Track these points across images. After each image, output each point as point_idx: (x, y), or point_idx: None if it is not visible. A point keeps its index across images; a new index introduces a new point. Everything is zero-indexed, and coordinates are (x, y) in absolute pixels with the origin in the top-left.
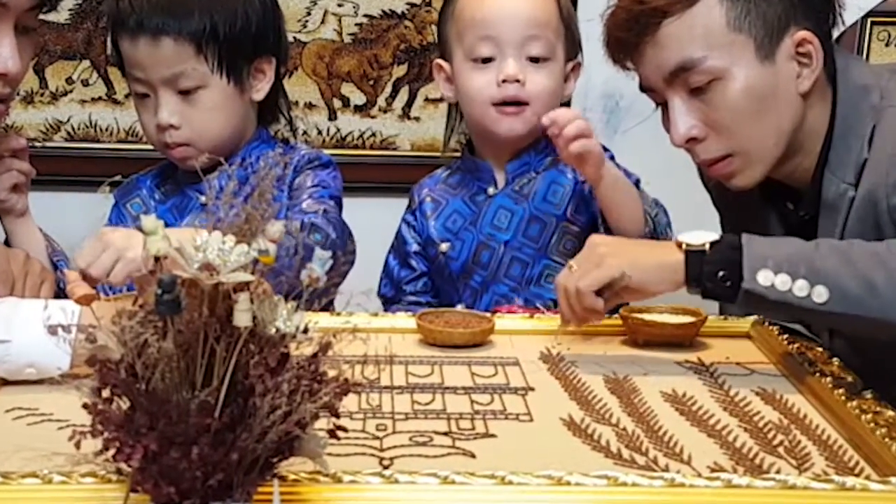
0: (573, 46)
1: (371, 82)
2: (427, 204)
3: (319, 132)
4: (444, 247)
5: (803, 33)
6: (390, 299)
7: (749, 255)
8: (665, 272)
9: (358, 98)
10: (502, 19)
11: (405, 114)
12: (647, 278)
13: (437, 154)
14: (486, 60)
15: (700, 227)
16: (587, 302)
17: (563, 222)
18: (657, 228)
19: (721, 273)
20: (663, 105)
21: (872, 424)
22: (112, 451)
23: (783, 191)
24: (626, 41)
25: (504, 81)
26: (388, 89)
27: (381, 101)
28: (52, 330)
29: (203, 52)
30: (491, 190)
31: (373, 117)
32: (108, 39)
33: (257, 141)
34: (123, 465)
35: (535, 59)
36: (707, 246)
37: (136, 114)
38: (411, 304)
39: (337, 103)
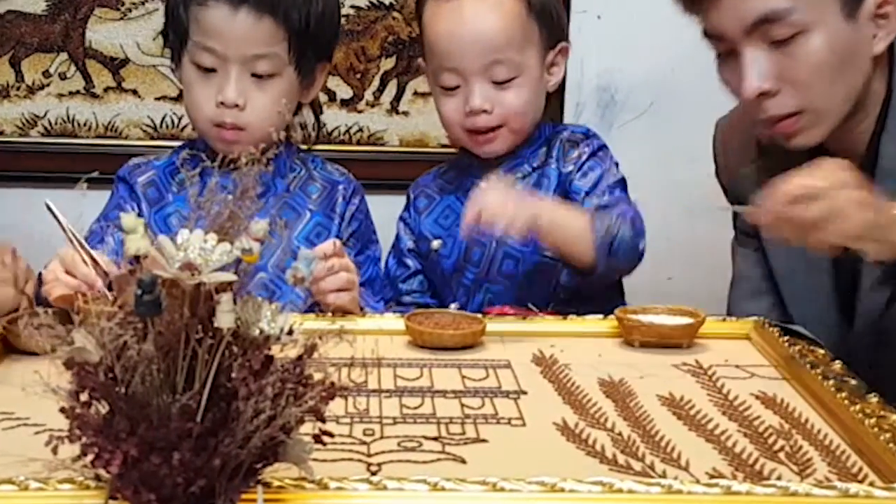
0: (554, 32)
1: (358, 76)
2: (420, 200)
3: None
4: (435, 244)
5: None
6: (389, 300)
7: None
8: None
9: (344, 92)
10: (462, 51)
11: (393, 108)
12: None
13: (427, 150)
14: (454, 85)
15: (695, 216)
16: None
17: None
18: (618, 246)
19: None
20: (727, 54)
21: (876, 429)
22: (90, 457)
23: None
24: None
25: (471, 112)
26: (376, 83)
27: (368, 95)
28: None
29: (290, 40)
30: (484, 184)
31: (360, 112)
32: (170, 7)
33: (282, 145)
34: (102, 472)
35: (501, 78)
36: None
37: (187, 89)
38: (410, 305)
39: (323, 97)
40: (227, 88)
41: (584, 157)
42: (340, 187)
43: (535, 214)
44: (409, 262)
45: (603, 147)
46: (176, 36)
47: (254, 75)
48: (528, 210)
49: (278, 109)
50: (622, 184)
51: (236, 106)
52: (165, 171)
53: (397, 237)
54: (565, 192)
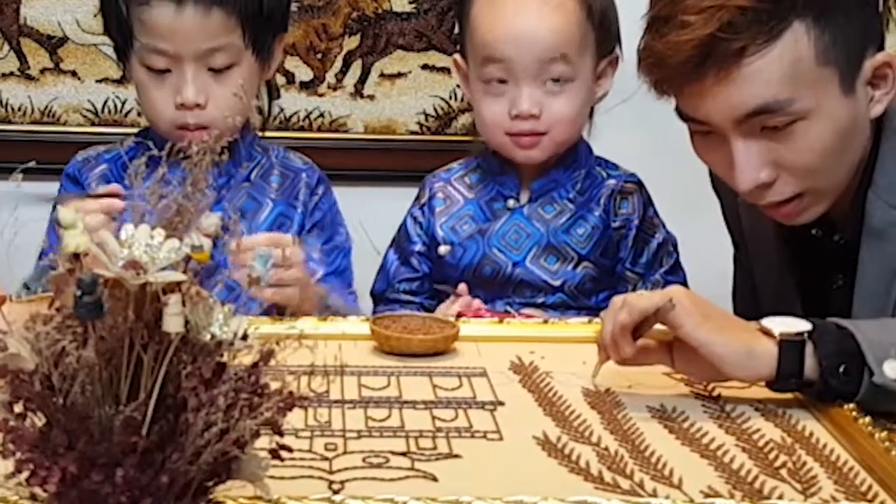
0: (608, 41)
1: (319, 56)
2: (438, 200)
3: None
4: (442, 250)
5: (883, 56)
6: (381, 295)
7: (869, 345)
8: (752, 361)
9: (304, 74)
10: (517, 47)
11: (357, 91)
12: (729, 360)
13: (395, 137)
14: (501, 81)
15: (687, 210)
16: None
17: (584, 261)
18: None
19: (843, 367)
20: (707, 133)
21: (887, 444)
22: (26, 474)
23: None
24: (688, 74)
25: (517, 116)
26: (339, 64)
27: (330, 78)
28: None
29: (244, 26)
30: (511, 203)
31: (321, 95)
32: (108, 6)
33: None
34: (39, 490)
35: (555, 80)
36: (805, 336)
37: (140, 90)
38: (404, 304)
39: (280, 79)
40: (184, 89)
41: (636, 220)
42: (304, 175)
43: None
44: (416, 263)
45: (651, 202)
46: (119, 35)
47: (211, 69)
48: None
49: (237, 95)
50: (672, 248)
51: (197, 105)
52: (118, 164)
53: (406, 236)
54: (608, 246)
